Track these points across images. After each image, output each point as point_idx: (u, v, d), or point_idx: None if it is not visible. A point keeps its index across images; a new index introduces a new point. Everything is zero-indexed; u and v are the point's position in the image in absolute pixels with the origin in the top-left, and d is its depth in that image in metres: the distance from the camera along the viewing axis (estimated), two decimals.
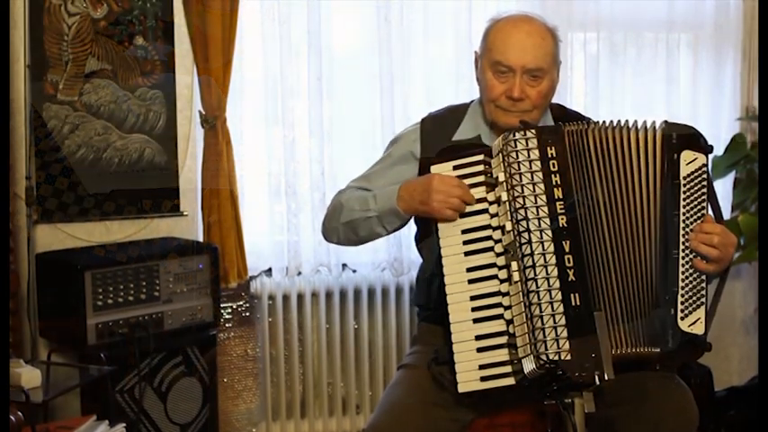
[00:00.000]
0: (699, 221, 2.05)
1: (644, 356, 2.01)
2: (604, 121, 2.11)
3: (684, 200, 2.05)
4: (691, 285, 2.02)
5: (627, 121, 2.10)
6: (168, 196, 3.35)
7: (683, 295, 2.01)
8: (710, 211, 2.10)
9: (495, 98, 2.27)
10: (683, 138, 2.08)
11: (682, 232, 2.04)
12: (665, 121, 2.10)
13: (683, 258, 2.03)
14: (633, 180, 2.06)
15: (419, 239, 2.44)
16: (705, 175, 2.07)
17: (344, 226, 2.34)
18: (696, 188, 2.06)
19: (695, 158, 2.07)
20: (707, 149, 2.10)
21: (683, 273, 2.02)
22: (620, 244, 2.03)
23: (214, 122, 3.28)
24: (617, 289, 2.01)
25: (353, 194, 2.35)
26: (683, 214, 2.04)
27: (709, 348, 2.03)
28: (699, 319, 2.01)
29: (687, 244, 2.03)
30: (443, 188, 2.09)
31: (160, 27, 3.28)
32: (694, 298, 2.02)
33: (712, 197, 2.10)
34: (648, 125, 2.09)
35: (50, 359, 2.94)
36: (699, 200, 2.06)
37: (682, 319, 2.00)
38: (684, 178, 2.06)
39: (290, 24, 3.39)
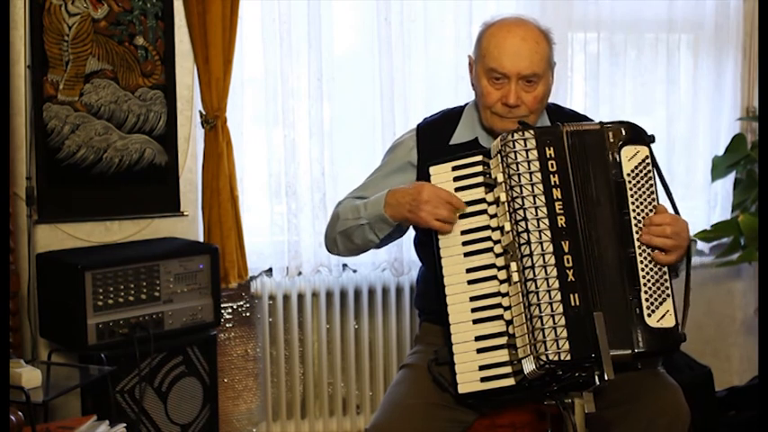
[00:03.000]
0: (650, 214, 2.05)
1: (620, 358, 2.00)
2: (587, 122, 2.12)
3: (632, 196, 2.05)
4: (652, 281, 2.02)
5: (585, 122, 2.10)
6: (168, 196, 3.35)
7: (645, 292, 2.01)
8: (667, 200, 2.11)
9: (490, 105, 2.27)
10: (618, 135, 2.07)
11: (635, 230, 2.04)
12: (600, 122, 2.10)
13: (640, 255, 2.03)
14: (592, 182, 2.06)
15: (418, 241, 2.44)
16: (650, 167, 2.07)
17: (341, 235, 2.35)
18: (643, 182, 2.06)
19: (636, 152, 2.07)
20: (648, 141, 2.09)
21: (642, 270, 2.03)
22: (598, 247, 2.03)
23: (214, 122, 3.28)
24: (596, 292, 2.01)
25: (349, 204, 2.36)
26: (633, 211, 2.05)
27: (683, 339, 2.02)
28: (667, 311, 2.01)
29: (641, 240, 2.03)
30: (433, 198, 2.09)
31: (160, 27, 3.28)
32: (658, 293, 2.02)
33: (664, 185, 2.11)
34: (592, 126, 2.09)
35: (51, 359, 2.94)
36: (648, 193, 2.06)
37: (649, 315, 2.00)
38: (628, 174, 2.06)
39: (290, 24, 3.40)
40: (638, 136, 2.09)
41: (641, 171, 2.06)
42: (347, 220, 2.31)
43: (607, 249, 2.03)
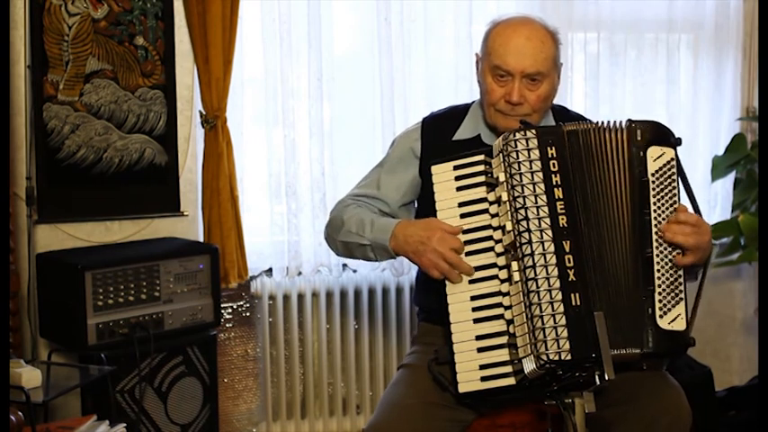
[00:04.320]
0: (672, 215, 2.04)
1: (626, 358, 2.00)
2: (594, 122, 2.11)
3: (655, 197, 2.05)
4: (667, 283, 2.02)
5: (604, 121, 2.09)
6: (168, 196, 3.35)
7: (660, 293, 2.01)
8: (687, 202, 2.10)
9: (494, 102, 2.27)
10: (647, 134, 2.07)
11: (654, 230, 2.03)
12: (629, 120, 2.09)
13: (658, 256, 2.02)
14: (610, 181, 2.05)
15: None
16: (674, 169, 2.06)
17: (342, 244, 2.36)
18: (666, 183, 2.05)
19: (662, 153, 2.07)
20: (675, 143, 2.09)
21: (658, 271, 2.02)
22: (605, 245, 2.03)
23: (214, 122, 3.28)
24: (604, 291, 2.00)
25: (355, 212, 2.35)
26: (654, 211, 2.04)
27: (692, 343, 2.02)
28: (679, 315, 2.00)
29: (661, 241, 2.03)
30: (441, 249, 2.07)
31: (160, 27, 3.28)
32: (672, 295, 2.01)
33: (687, 189, 2.10)
34: (617, 125, 2.09)
35: (51, 359, 2.94)
36: (670, 195, 2.05)
37: (660, 317, 1.99)
38: (653, 175, 2.05)
39: (290, 24, 3.40)
40: (666, 137, 2.09)
41: (665, 173, 2.06)
42: (350, 233, 2.31)
43: (617, 248, 2.02)
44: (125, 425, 2.72)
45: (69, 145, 3.18)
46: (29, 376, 2.55)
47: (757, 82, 3.87)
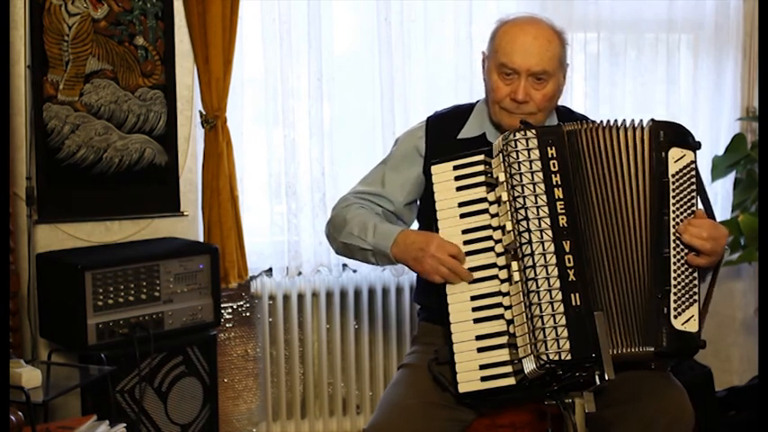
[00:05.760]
0: (689, 217, 2.04)
1: (639, 356, 2.01)
2: (601, 121, 2.11)
3: (674, 197, 2.05)
4: (683, 284, 2.02)
5: (616, 120, 2.09)
6: (168, 196, 3.35)
7: (675, 293, 2.01)
8: (701, 206, 2.10)
9: (499, 100, 2.28)
10: (670, 135, 2.07)
11: (672, 230, 2.03)
12: (653, 120, 2.09)
13: (675, 257, 2.03)
14: (624, 180, 2.06)
15: None
16: (694, 172, 2.07)
17: (343, 244, 2.36)
18: (685, 185, 2.06)
19: (683, 155, 2.07)
20: (695, 146, 2.09)
21: (674, 271, 2.02)
22: (615, 244, 2.03)
23: (214, 122, 3.28)
24: (612, 289, 2.01)
25: (358, 213, 2.35)
26: (673, 212, 2.04)
27: (703, 345, 2.03)
28: (692, 316, 2.01)
29: (678, 242, 2.03)
30: (439, 255, 2.08)
31: (160, 27, 3.28)
32: (687, 296, 2.02)
33: (702, 193, 2.11)
34: (636, 123, 2.09)
35: (51, 359, 2.94)
36: (688, 197, 2.06)
37: (675, 317, 2.00)
38: (673, 176, 2.06)
39: (290, 24, 3.40)
40: (687, 140, 2.09)
41: (685, 175, 2.06)
42: (352, 236, 2.31)
43: (631, 247, 2.02)
44: (125, 425, 2.72)
45: (69, 145, 3.18)
46: (29, 376, 2.55)
47: (757, 82, 3.86)
